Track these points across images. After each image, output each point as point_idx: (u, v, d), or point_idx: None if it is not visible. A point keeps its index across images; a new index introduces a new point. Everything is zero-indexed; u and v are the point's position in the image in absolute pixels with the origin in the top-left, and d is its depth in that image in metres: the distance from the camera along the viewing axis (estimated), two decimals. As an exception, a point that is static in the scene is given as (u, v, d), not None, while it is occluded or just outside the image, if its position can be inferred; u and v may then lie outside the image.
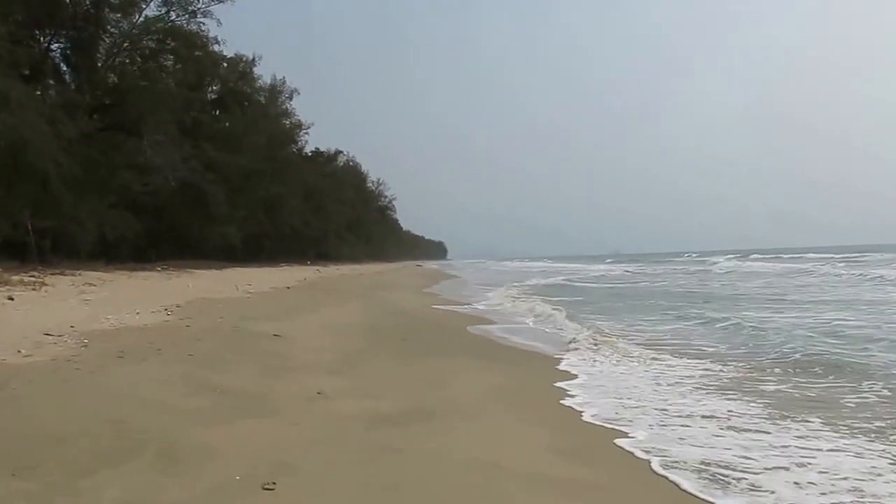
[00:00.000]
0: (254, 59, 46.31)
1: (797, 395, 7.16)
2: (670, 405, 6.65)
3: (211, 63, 39.13)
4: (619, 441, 5.46)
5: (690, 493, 4.32)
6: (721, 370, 8.56)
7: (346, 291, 25.92)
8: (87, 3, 29.26)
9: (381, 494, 4.09)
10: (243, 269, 34.53)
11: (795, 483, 4.43)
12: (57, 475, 4.07)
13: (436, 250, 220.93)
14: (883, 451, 5.09)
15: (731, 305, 18.48)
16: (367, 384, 7.49)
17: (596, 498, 4.24)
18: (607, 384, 7.80)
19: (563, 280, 40.18)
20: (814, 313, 15.32)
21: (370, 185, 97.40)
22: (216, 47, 37.25)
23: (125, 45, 31.43)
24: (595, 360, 9.45)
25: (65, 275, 19.65)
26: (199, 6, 32.70)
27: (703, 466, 4.75)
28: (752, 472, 4.64)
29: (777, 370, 8.48)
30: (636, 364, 9.11)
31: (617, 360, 9.42)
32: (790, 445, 5.24)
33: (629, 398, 7.00)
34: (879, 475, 4.57)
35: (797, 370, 8.46)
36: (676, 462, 4.86)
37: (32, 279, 16.89)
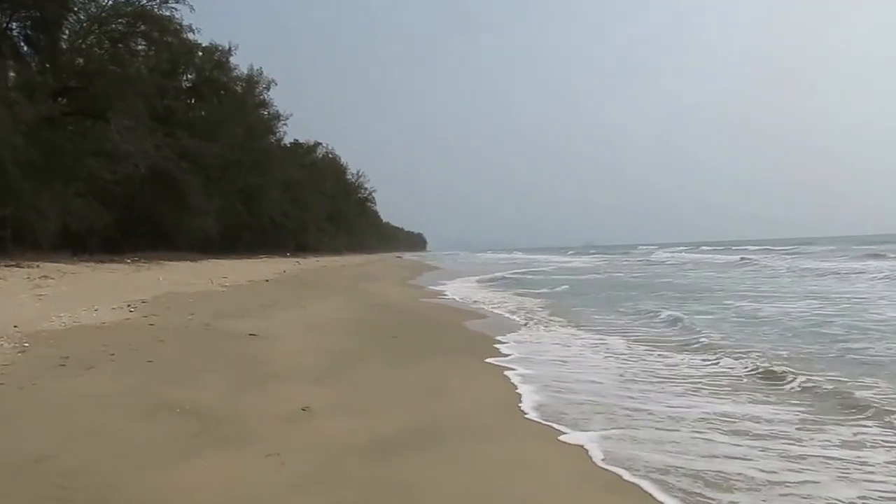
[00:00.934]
0: (230, 49, 44.95)
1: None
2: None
3: (185, 50, 37.80)
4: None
5: None
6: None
7: (329, 284, 24.79)
8: (50, -20, 27.51)
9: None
10: (220, 261, 33.42)
11: None
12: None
13: (416, 242, 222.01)
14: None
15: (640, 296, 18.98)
16: (360, 395, 6.35)
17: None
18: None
19: (521, 273, 39.38)
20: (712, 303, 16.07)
21: (350, 177, 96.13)
22: (190, 35, 35.67)
23: (93, 27, 29.86)
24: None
25: (20, 267, 18.06)
26: (170, -10, 31.02)
27: None
28: None
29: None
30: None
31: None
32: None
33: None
34: None
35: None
36: None
37: (-18, 272, 15.45)
